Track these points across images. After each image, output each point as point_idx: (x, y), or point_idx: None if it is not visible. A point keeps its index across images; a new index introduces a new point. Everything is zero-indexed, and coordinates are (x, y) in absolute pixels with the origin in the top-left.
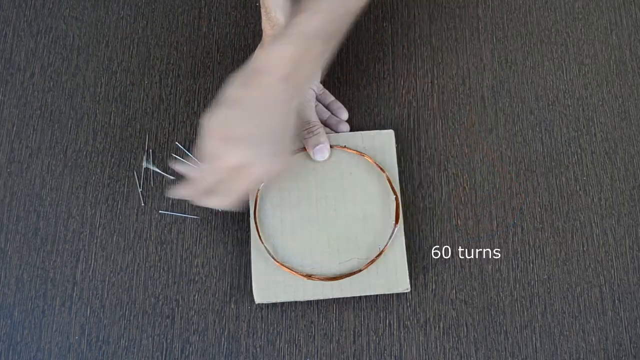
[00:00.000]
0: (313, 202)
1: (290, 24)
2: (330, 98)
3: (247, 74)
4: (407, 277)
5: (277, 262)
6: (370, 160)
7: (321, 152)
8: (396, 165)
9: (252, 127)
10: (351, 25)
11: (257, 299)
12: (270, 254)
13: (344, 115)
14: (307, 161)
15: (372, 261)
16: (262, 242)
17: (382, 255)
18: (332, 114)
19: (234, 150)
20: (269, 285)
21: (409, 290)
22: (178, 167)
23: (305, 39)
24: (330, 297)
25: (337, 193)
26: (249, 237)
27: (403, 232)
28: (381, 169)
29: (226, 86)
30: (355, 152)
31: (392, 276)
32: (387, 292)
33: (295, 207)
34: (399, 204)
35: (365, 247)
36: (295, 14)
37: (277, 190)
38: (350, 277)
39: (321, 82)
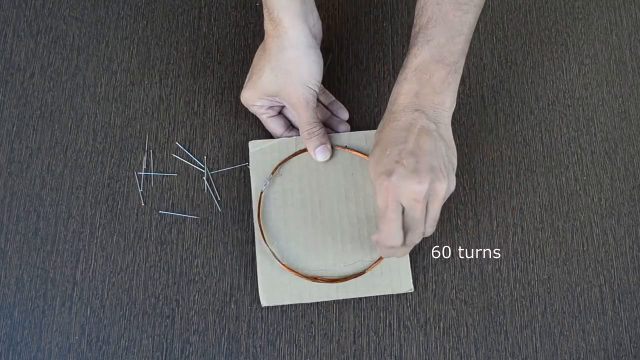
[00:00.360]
0: (316, 204)
1: (408, 56)
2: (330, 98)
3: (382, 120)
4: (410, 277)
5: (283, 265)
6: None
7: (323, 153)
8: None
9: (395, 155)
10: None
11: (264, 302)
12: (275, 256)
13: (345, 115)
14: (309, 162)
15: (376, 263)
16: (267, 245)
17: (385, 258)
18: (333, 114)
19: (388, 178)
20: (275, 288)
21: (412, 290)
22: (374, 236)
23: (419, 71)
24: (335, 299)
25: (339, 194)
26: (249, 237)
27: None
28: None
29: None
30: (356, 152)
31: (395, 277)
32: (390, 293)
33: (298, 209)
34: None
35: (369, 248)
36: (410, 45)
37: (280, 192)
38: (355, 279)
39: (322, 82)
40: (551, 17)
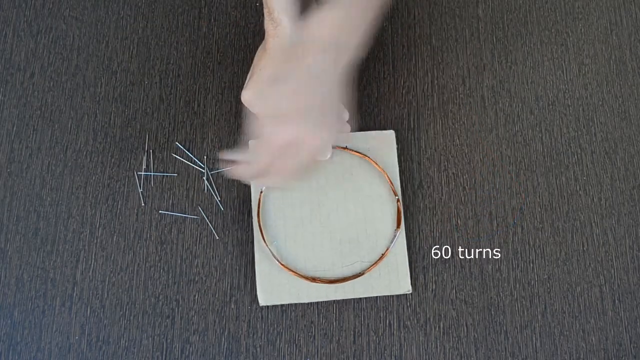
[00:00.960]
0: (315, 204)
1: None
2: None
3: (286, 47)
4: (409, 278)
5: (282, 264)
6: (371, 161)
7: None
8: (397, 165)
9: (298, 102)
10: None
11: (262, 302)
12: (274, 256)
13: (345, 116)
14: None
15: (375, 264)
16: (266, 245)
17: (384, 258)
18: None
19: (282, 127)
20: (273, 287)
21: (410, 292)
22: (229, 155)
23: (344, 7)
24: (333, 299)
25: (338, 194)
26: (249, 237)
27: (404, 235)
28: (382, 170)
29: (263, 60)
30: (356, 153)
31: (394, 278)
32: (389, 294)
33: (297, 209)
34: (400, 207)
35: (368, 249)
36: None
37: (279, 193)
38: (353, 280)
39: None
40: (551, 17)
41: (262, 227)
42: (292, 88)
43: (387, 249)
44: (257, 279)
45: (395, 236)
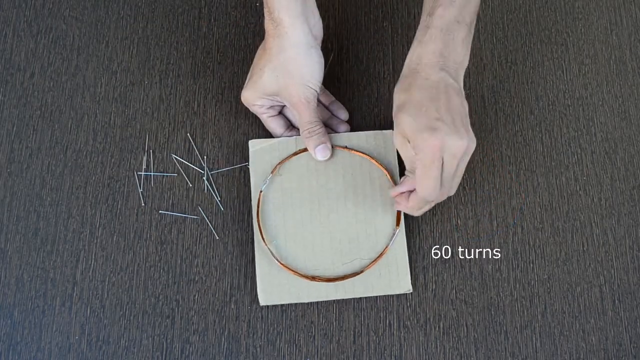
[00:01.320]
0: (315, 203)
1: (432, 17)
2: (331, 98)
3: (404, 83)
4: (409, 278)
5: (281, 264)
6: (372, 160)
7: (323, 152)
8: (397, 165)
9: (433, 112)
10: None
11: (262, 301)
12: (274, 255)
13: (344, 115)
14: (308, 162)
15: (374, 261)
16: (266, 244)
17: (383, 257)
18: (333, 114)
19: (433, 135)
20: (273, 287)
21: (410, 291)
22: (396, 190)
23: (444, 31)
24: (334, 299)
25: (338, 193)
26: (249, 237)
27: (404, 234)
28: (383, 168)
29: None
30: (357, 152)
31: (394, 277)
32: (389, 293)
33: (297, 208)
34: None
35: (368, 248)
36: (433, 7)
37: (279, 192)
38: (353, 278)
39: (322, 83)
40: (551, 17)
41: (261, 226)
42: (431, 105)
43: (387, 247)
44: (257, 278)
45: (394, 234)
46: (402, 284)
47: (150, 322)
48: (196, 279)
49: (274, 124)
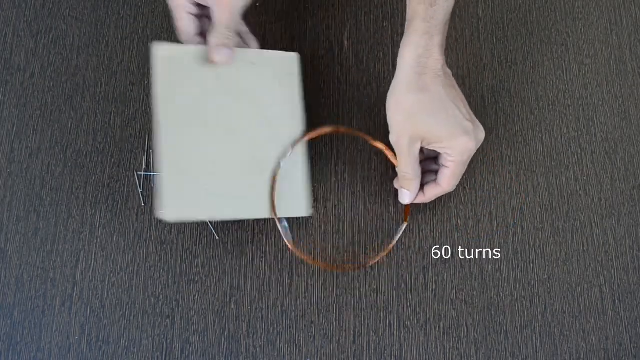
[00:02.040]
0: (217, 125)
1: (434, 7)
2: (245, 28)
3: (412, 79)
4: (306, 200)
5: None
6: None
7: (221, 52)
8: (298, 93)
9: (458, 113)
10: None
11: (168, 215)
12: (182, 167)
13: (255, 45)
14: (217, 76)
15: (273, 181)
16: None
17: (281, 177)
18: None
19: (468, 138)
20: (183, 199)
21: (309, 215)
22: (411, 199)
23: (446, 23)
24: (241, 218)
25: (241, 104)
26: (249, 237)
27: (305, 154)
28: (385, 147)
29: (398, 101)
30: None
31: (291, 199)
32: (289, 216)
33: (202, 128)
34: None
35: (272, 164)
36: (428, 6)
37: (176, 103)
38: (256, 198)
39: (323, 83)
40: (551, 17)
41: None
42: (445, 103)
43: (281, 168)
44: (162, 188)
45: (288, 153)
46: (299, 205)
47: (150, 322)
48: (196, 279)
49: (187, 22)
